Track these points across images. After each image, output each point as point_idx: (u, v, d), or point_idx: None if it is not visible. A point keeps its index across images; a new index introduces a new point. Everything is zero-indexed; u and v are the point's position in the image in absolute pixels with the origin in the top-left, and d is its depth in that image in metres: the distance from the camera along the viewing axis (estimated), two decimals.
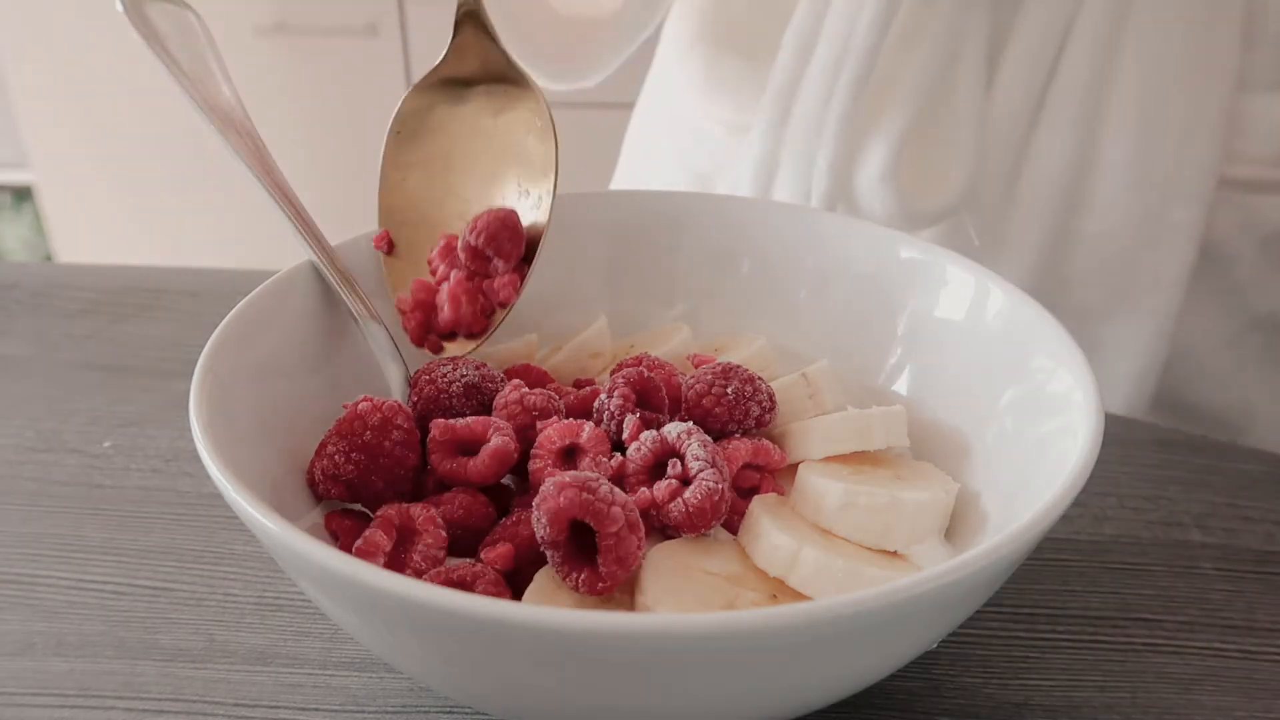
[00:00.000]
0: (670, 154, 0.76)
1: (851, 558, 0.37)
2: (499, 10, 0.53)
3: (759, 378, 0.43)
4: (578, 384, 0.48)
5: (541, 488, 0.35)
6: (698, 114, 0.72)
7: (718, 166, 0.70)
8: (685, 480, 0.38)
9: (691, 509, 0.37)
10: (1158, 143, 0.53)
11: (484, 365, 0.45)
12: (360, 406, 0.40)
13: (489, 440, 0.41)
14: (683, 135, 0.74)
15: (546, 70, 0.66)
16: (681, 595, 0.36)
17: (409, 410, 0.42)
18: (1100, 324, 0.57)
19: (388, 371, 0.46)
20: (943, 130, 0.55)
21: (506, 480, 0.43)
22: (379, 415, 0.40)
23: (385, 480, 0.40)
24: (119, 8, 0.44)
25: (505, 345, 0.50)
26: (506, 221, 0.47)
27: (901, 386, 0.48)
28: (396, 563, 0.38)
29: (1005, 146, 0.55)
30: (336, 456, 0.40)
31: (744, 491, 0.41)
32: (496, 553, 0.37)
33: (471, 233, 0.47)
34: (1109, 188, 0.54)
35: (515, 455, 0.41)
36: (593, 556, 0.35)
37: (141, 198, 1.92)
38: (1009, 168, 0.56)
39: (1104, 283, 0.57)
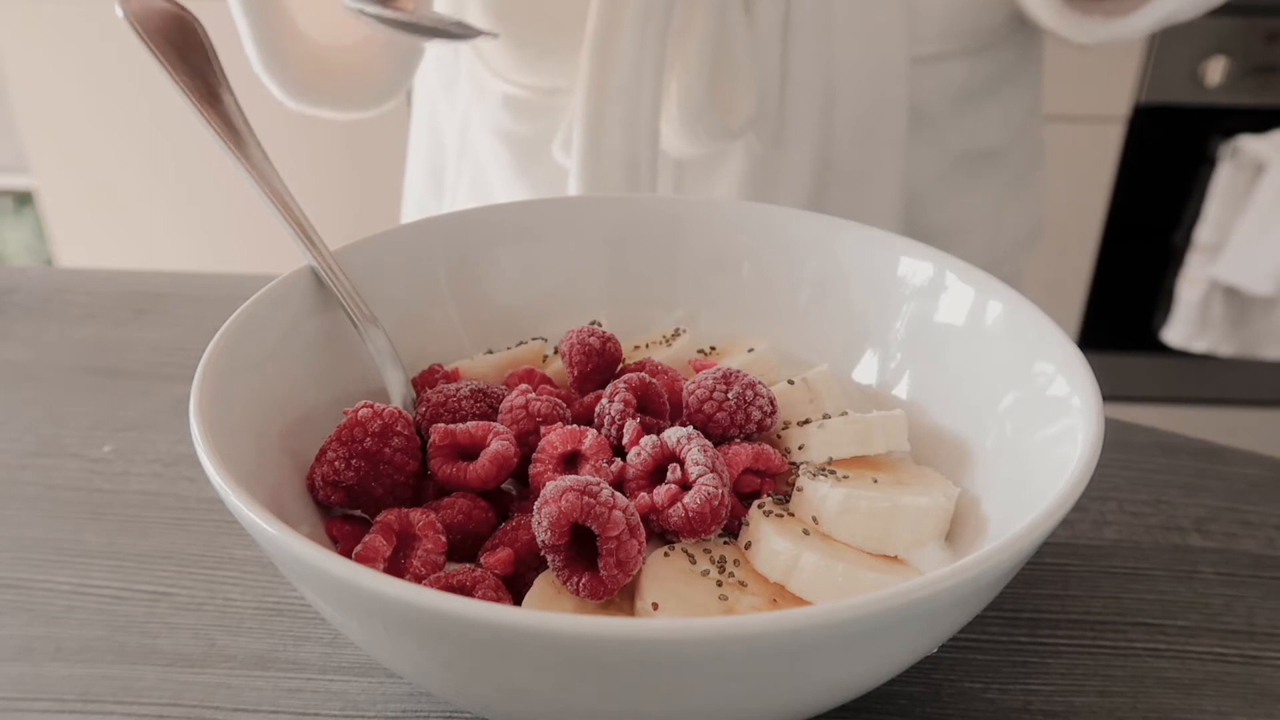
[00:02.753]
0: (482, 124, 0.79)
1: (852, 562, 0.37)
2: (261, 39, 0.62)
3: (759, 382, 0.43)
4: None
5: (543, 492, 0.35)
6: (508, 85, 0.75)
7: (541, 129, 0.75)
8: (685, 485, 0.38)
9: (691, 514, 0.37)
10: (868, 40, 0.69)
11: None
12: (361, 413, 0.40)
13: (489, 445, 0.41)
14: (492, 105, 0.77)
15: (325, 100, 0.70)
16: (681, 600, 0.36)
17: (410, 416, 0.42)
18: (860, 186, 0.74)
19: (387, 375, 0.46)
20: (729, 60, 0.67)
21: (507, 485, 0.43)
22: (379, 422, 0.40)
23: (385, 487, 0.40)
24: (119, 13, 0.44)
25: (509, 352, 0.50)
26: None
27: (902, 391, 0.48)
28: (396, 568, 0.38)
29: (772, 64, 0.68)
30: (337, 463, 0.40)
31: (744, 496, 0.41)
32: (496, 558, 0.37)
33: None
34: (848, 81, 0.70)
35: (515, 460, 0.41)
36: (593, 561, 0.35)
37: (142, 202, 1.92)
38: (778, 81, 0.69)
39: (856, 154, 0.73)
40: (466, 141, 0.81)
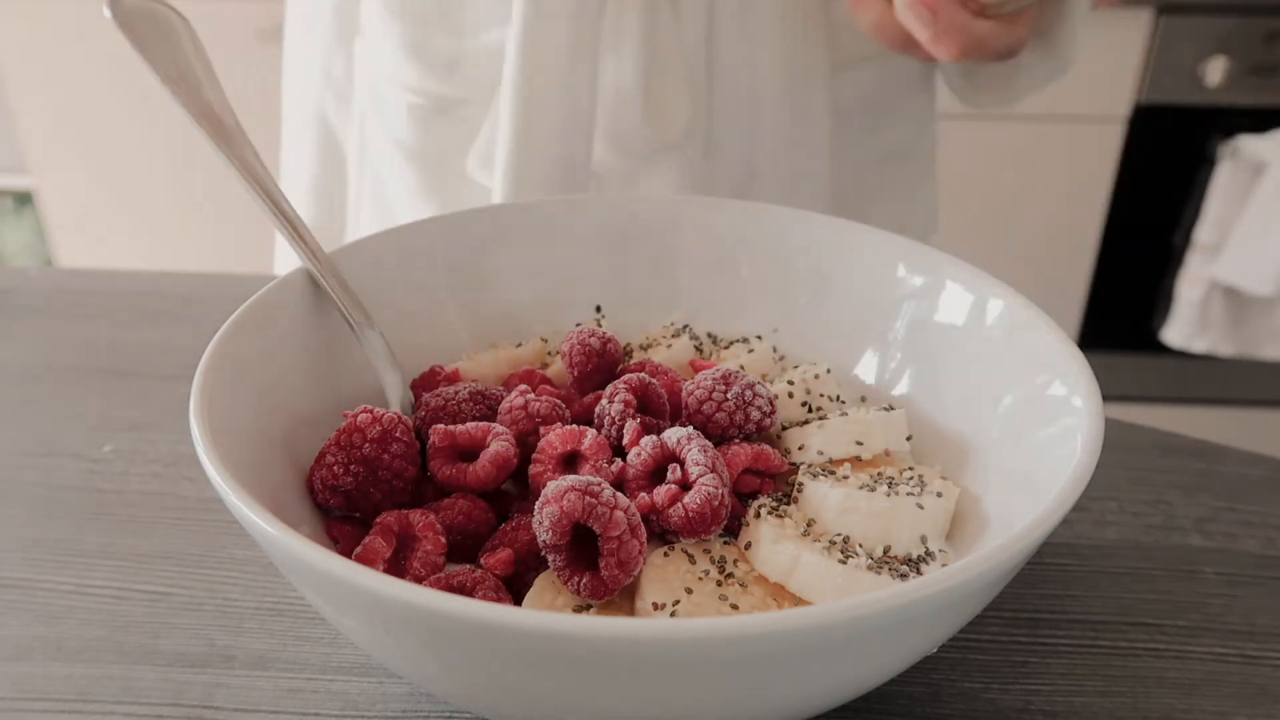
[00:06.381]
0: (382, 138, 0.75)
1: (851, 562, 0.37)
2: None
3: (759, 382, 0.43)
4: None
5: (544, 491, 0.35)
6: (412, 95, 0.72)
7: (450, 141, 0.72)
8: (685, 485, 0.38)
9: (691, 514, 0.37)
10: (791, 44, 0.68)
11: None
12: (360, 418, 0.40)
13: (488, 446, 0.41)
14: (392, 116, 0.73)
15: None
16: (681, 600, 0.36)
17: (409, 422, 0.41)
18: (787, 193, 0.73)
19: (384, 379, 0.46)
20: (661, 66, 0.66)
21: (507, 486, 0.43)
22: (378, 428, 0.40)
23: (384, 493, 0.40)
24: (107, 13, 0.44)
25: (509, 352, 0.50)
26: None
27: (901, 391, 0.48)
28: (396, 569, 0.38)
29: (699, 70, 0.67)
30: (335, 467, 0.40)
31: (744, 496, 0.41)
32: (496, 558, 0.37)
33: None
34: (768, 83, 0.69)
35: (515, 460, 0.41)
36: (594, 561, 0.35)
37: (142, 203, 1.92)
38: (706, 88, 0.68)
39: (783, 161, 0.72)
40: (366, 158, 0.77)
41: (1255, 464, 0.55)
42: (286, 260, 0.86)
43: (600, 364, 0.46)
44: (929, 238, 0.87)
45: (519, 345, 0.51)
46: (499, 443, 0.41)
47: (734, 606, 0.36)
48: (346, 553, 0.39)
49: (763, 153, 0.71)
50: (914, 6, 0.51)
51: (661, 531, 0.38)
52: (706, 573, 0.37)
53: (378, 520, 0.39)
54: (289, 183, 0.84)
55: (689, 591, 0.36)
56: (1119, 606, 0.46)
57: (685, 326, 0.53)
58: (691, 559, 0.38)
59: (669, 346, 0.50)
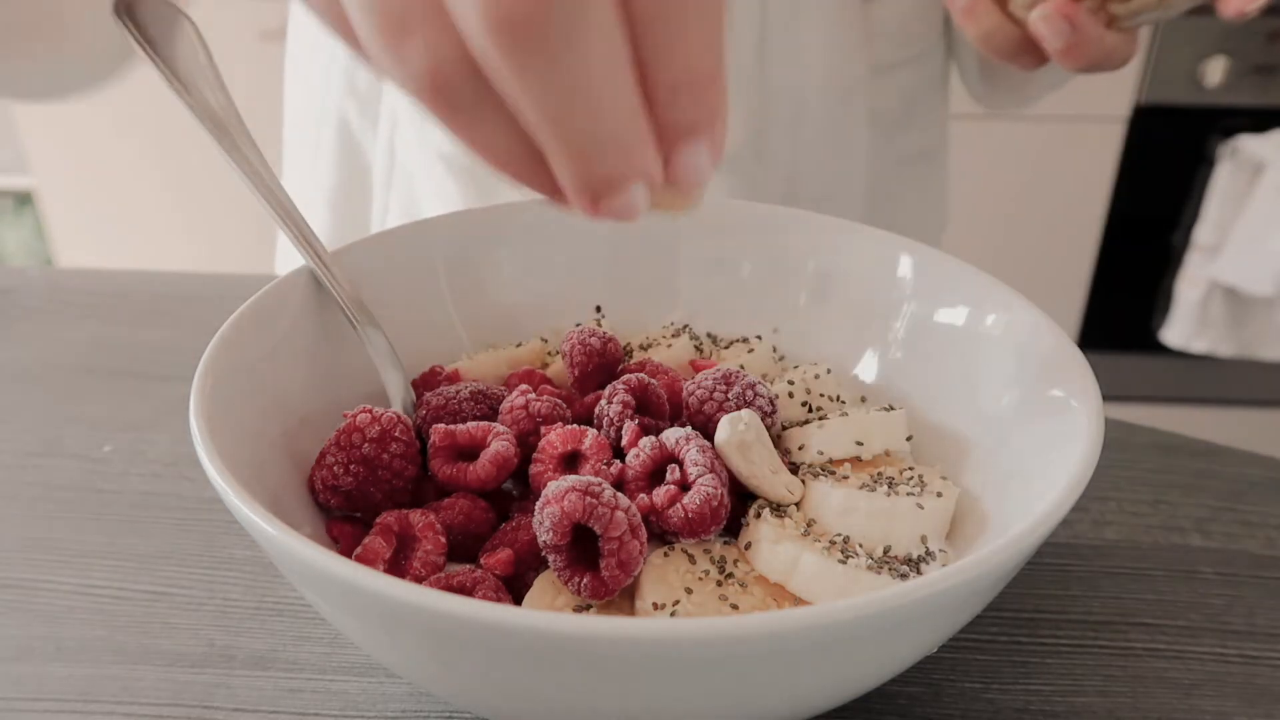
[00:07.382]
0: (420, 149, 0.73)
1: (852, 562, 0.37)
2: None
3: (760, 383, 0.43)
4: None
5: (544, 492, 0.35)
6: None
7: None
8: (684, 486, 0.38)
9: (691, 514, 0.37)
10: (834, 54, 0.71)
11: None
12: (359, 418, 0.40)
13: (489, 445, 0.41)
14: (434, 128, 0.70)
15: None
16: (681, 600, 0.36)
17: (408, 421, 0.41)
18: (826, 199, 0.76)
19: (386, 378, 0.46)
20: None
21: (507, 485, 0.43)
22: (378, 428, 0.40)
23: (384, 492, 0.40)
24: (111, 14, 0.44)
25: (510, 352, 0.50)
26: None
27: (902, 390, 0.48)
28: (396, 569, 0.38)
29: (752, 86, 0.69)
30: (335, 467, 0.40)
31: (744, 496, 0.41)
32: (497, 558, 0.37)
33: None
34: (814, 91, 0.71)
35: (515, 460, 0.41)
36: (594, 561, 0.35)
37: (142, 203, 1.92)
38: (758, 103, 0.70)
39: (825, 169, 0.75)
40: (396, 170, 0.75)
41: (1255, 464, 0.55)
42: (288, 261, 0.86)
43: (601, 364, 0.46)
44: (942, 235, 0.89)
45: (519, 345, 0.51)
46: (499, 442, 0.41)
47: (734, 606, 0.36)
48: (346, 553, 0.39)
49: (806, 159, 0.72)
50: (1052, 19, 0.51)
51: (661, 532, 0.38)
52: (706, 573, 0.37)
53: (378, 520, 0.39)
54: (303, 192, 0.82)
55: (689, 591, 0.36)
56: (1118, 606, 0.46)
57: (685, 326, 0.53)
58: (691, 559, 0.38)
59: (669, 346, 0.50)
